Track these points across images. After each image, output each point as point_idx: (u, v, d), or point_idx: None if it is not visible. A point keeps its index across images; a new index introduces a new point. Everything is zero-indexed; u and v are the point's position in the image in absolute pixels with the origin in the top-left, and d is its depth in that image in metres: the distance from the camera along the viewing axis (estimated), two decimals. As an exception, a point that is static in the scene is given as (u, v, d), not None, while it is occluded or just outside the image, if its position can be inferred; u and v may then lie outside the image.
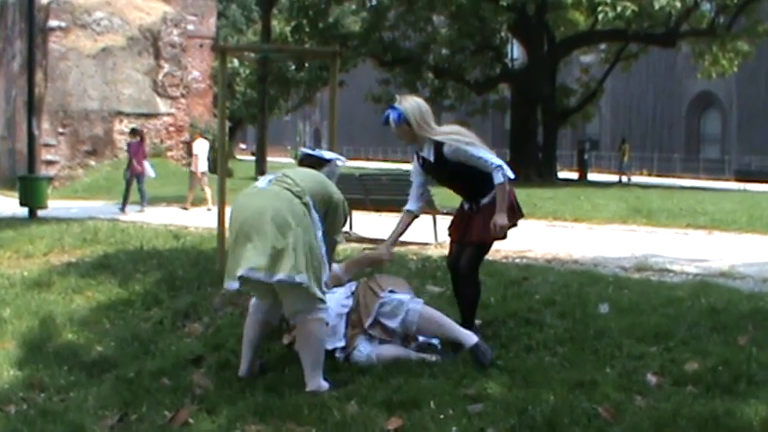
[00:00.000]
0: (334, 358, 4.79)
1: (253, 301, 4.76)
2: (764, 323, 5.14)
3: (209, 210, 17.07)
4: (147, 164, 18.12)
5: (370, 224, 12.59)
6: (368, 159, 54.50)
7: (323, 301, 4.48)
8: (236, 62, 37.61)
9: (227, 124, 11.71)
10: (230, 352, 5.15)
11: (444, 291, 6.18)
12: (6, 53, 32.84)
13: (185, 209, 17.92)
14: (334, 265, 5.26)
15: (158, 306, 6.72)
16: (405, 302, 4.89)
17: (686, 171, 42.92)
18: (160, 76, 29.23)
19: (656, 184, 30.89)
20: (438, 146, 4.99)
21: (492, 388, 4.22)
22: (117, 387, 4.70)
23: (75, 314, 6.71)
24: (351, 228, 11.93)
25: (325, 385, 4.40)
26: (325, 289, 4.54)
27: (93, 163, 28.14)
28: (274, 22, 31.31)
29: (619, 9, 23.83)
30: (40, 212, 15.97)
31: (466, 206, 5.18)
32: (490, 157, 4.93)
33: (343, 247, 9.05)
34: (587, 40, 31.93)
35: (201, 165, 18.44)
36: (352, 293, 5.07)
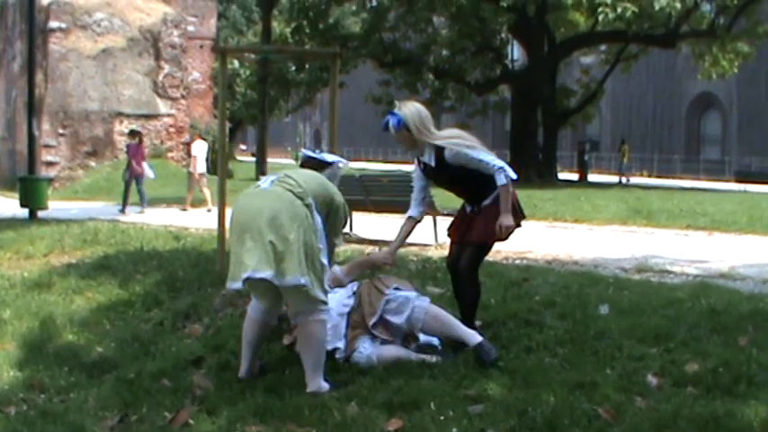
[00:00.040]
0: (334, 359, 4.79)
1: (251, 302, 4.76)
2: (764, 324, 5.14)
3: (208, 211, 17.08)
4: (146, 165, 18.12)
5: (371, 225, 12.59)
6: (368, 160, 54.52)
7: (325, 303, 4.48)
8: (236, 63, 37.62)
9: (228, 125, 11.71)
10: (230, 353, 5.15)
11: (445, 292, 6.18)
12: (7, 54, 32.85)
13: (184, 210, 17.93)
14: (336, 267, 5.26)
15: (158, 307, 6.72)
16: (411, 299, 4.91)
17: (686, 172, 42.91)
18: (160, 77, 29.24)
19: (657, 185, 30.89)
20: (439, 150, 4.99)
21: (492, 389, 4.22)
22: (117, 388, 4.70)
23: (76, 315, 6.71)
24: (351, 229, 11.93)
25: (325, 386, 4.40)
26: (327, 289, 4.55)
27: (93, 164, 28.15)
28: (274, 23, 31.35)
29: (619, 10, 23.83)
30: (41, 213, 15.97)
31: (468, 209, 5.18)
32: (491, 159, 4.93)
33: (344, 249, 9.05)
34: (587, 41, 31.94)
35: (200, 166, 18.42)
36: (354, 293, 5.07)
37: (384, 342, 4.87)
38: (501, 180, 4.89)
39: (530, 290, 6.41)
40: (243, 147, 68.39)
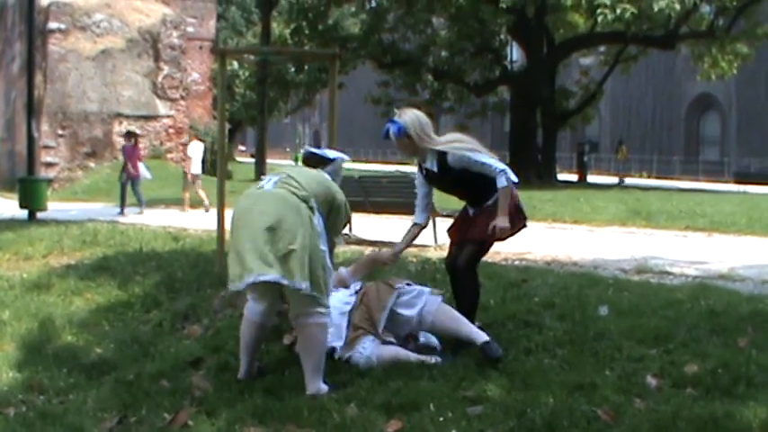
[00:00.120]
0: (333, 360, 4.79)
1: (248, 303, 4.73)
2: (764, 325, 5.14)
3: (206, 212, 17.08)
4: (142, 165, 18.08)
5: (370, 226, 12.59)
6: (367, 161, 54.49)
7: (326, 306, 4.47)
8: (235, 64, 37.64)
9: (227, 126, 11.72)
10: (229, 354, 5.15)
11: (443, 293, 6.17)
12: (6, 55, 32.85)
13: (184, 211, 17.93)
14: (342, 269, 5.29)
15: (158, 308, 6.72)
16: (425, 292, 4.95)
17: (685, 173, 42.92)
18: (160, 78, 29.25)
19: (656, 186, 30.89)
20: (441, 156, 5.02)
21: (491, 390, 4.22)
22: (116, 389, 4.69)
23: (75, 316, 6.71)
24: (350, 230, 11.94)
25: (324, 388, 4.40)
26: (329, 292, 4.54)
27: (92, 165, 28.16)
28: (274, 25, 31.34)
29: (618, 11, 23.83)
30: (40, 214, 15.97)
31: (470, 211, 5.20)
32: (493, 162, 4.95)
33: (343, 250, 9.06)
34: (587, 42, 31.94)
35: (194, 167, 18.41)
36: (356, 293, 5.07)
37: (386, 343, 4.87)
38: (501, 182, 4.91)
39: (529, 291, 6.41)
40: (242, 148, 68.43)
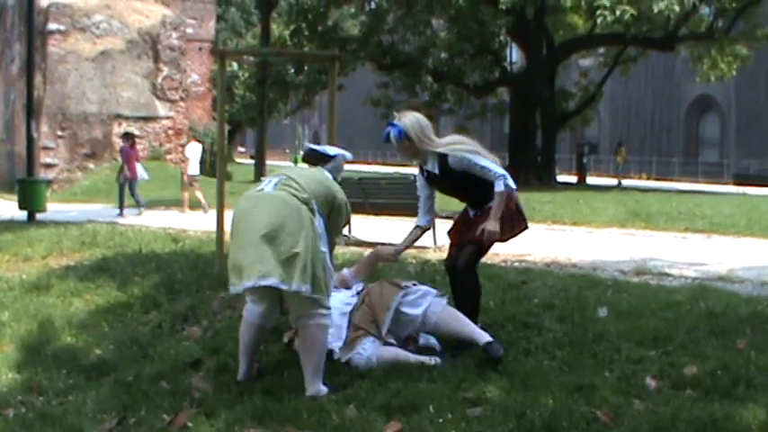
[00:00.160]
0: (332, 361, 4.78)
1: (247, 305, 4.71)
2: (763, 327, 5.14)
3: (205, 213, 17.09)
4: (139, 166, 18.09)
5: (370, 228, 12.59)
6: (367, 163, 54.46)
7: (327, 308, 4.47)
8: (235, 65, 37.63)
9: (226, 127, 11.72)
10: (229, 355, 5.15)
11: (443, 294, 6.17)
12: (5, 56, 32.86)
13: (183, 212, 17.95)
14: (345, 270, 5.29)
15: (157, 309, 6.71)
16: (431, 293, 4.96)
17: (685, 175, 42.92)
18: (159, 80, 29.25)
19: (655, 187, 30.90)
20: (442, 158, 5.03)
21: (491, 392, 4.22)
22: (116, 390, 4.69)
23: (74, 317, 6.70)
24: (350, 231, 11.93)
25: (324, 390, 4.39)
26: (330, 293, 4.53)
27: (91, 166, 28.16)
28: (273, 26, 31.35)
29: (617, 13, 23.85)
30: (39, 215, 15.98)
31: (471, 212, 5.21)
32: (494, 166, 4.96)
33: (342, 251, 9.06)
34: (586, 43, 31.96)
35: (191, 168, 18.43)
36: (358, 293, 5.08)
37: (387, 345, 4.87)
38: (499, 187, 4.92)
39: (528, 292, 6.41)
40: (241, 149, 68.40)
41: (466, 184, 5.05)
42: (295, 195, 4.40)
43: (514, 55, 36.79)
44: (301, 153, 5.10)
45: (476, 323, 5.04)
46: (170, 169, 27.15)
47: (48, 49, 27.59)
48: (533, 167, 29.39)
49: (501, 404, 4.03)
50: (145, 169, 18.46)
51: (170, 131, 29.54)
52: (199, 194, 18.03)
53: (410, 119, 5.08)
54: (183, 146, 26.30)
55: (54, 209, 17.33)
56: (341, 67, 22.75)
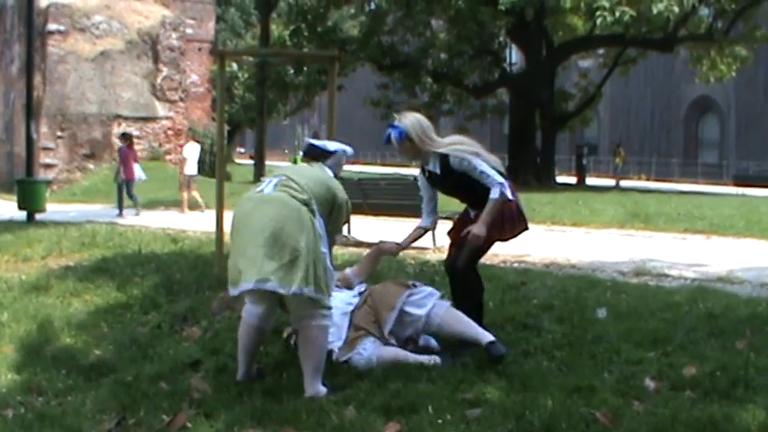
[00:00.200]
0: (332, 362, 4.78)
1: (246, 306, 4.70)
2: (762, 328, 5.15)
3: (202, 212, 17.18)
4: (137, 166, 18.11)
5: (369, 228, 12.59)
6: (366, 164, 54.48)
7: (328, 308, 4.46)
8: (234, 66, 37.63)
9: (226, 128, 11.75)
10: (228, 356, 5.15)
11: (442, 295, 6.17)
12: (5, 56, 32.86)
13: (182, 213, 17.97)
14: (347, 269, 5.29)
15: (156, 310, 6.71)
16: (435, 294, 4.97)
17: (684, 176, 42.94)
18: (159, 80, 29.25)
19: (654, 188, 30.91)
20: (444, 158, 5.03)
21: (490, 393, 4.22)
22: (115, 391, 4.69)
23: (73, 318, 6.70)
24: (349, 232, 11.94)
25: (323, 390, 4.39)
26: (331, 293, 4.52)
27: (91, 166, 28.16)
28: (273, 26, 31.33)
29: (617, 14, 23.87)
30: (39, 216, 15.98)
31: (472, 213, 5.22)
32: (492, 173, 4.97)
33: (342, 252, 9.06)
34: (586, 44, 31.97)
35: (188, 168, 18.49)
36: (360, 293, 5.08)
37: (387, 345, 4.87)
38: (495, 194, 4.95)
39: (527, 293, 6.41)
40: (241, 150, 68.36)
41: (467, 184, 5.06)
42: (295, 197, 4.38)
43: (514, 56, 36.81)
44: (301, 153, 5.06)
45: (481, 321, 5.06)
46: (169, 170, 27.16)
47: (47, 50, 27.59)
48: (533, 168, 29.40)
49: (500, 405, 4.03)
50: (141, 169, 18.49)
51: (169, 132, 29.54)
52: (196, 194, 18.11)
53: (411, 120, 5.09)
54: (182, 146, 26.35)
55: (53, 209, 17.33)
56: (340, 68, 22.77)
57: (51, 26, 27.81)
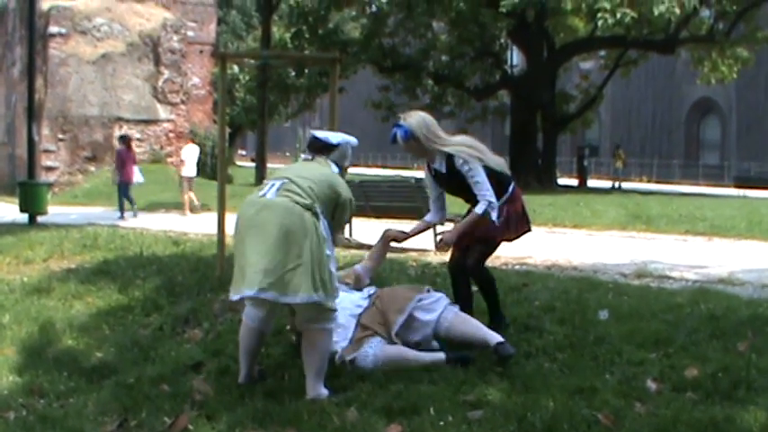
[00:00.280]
0: (334, 364, 4.77)
1: (246, 309, 4.68)
2: (764, 329, 5.15)
3: (199, 210, 17.39)
4: (136, 169, 18.14)
5: (371, 230, 12.58)
6: (367, 166, 54.50)
7: (333, 309, 4.45)
8: (235, 68, 37.61)
9: (227, 130, 11.77)
10: (230, 358, 5.15)
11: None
12: (6, 59, 32.89)
13: (184, 215, 17.99)
14: (357, 266, 5.30)
15: (158, 312, 6.71)
16: (445, 299, 4.99)
17: (685, 177, 42.93)
18: (160, 83, 29.27)
19: (656, 190, 30.90)
20: (449, 158, 5.06)
21: (491, 394, 4.22)
22: (116, 393, 4.69)
23: (75, 320, 6.70)
24: (351, 234, 11.94)
25: (325, 392, 4.38)
26: (336, 295, 4.50)
27: (92, 169, 28.18)
28: (274, 29, 31.32)
29: (618, 16, 23.85)
30: (40, 218, 15.98)
31: None
32: (485, 188, 5.02)
33: (343, 253, 9.06)
34: (587, 46, 31.96)
35: (186, 170, 18.56)
36: (369, 296, 5.08)
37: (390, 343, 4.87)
38: (479, 208, 5.03)
39: (529, 295, 6.42)
40: (242, 152, 68.36)
41: (469, 186, 5.08)
42: (298, 202, 4.33)
43: (515, 58, 36.81)
44: (310, 132, 5.00)
45: (499, 308, 5.23)
46: (171, 172, 27.16)
47: (49, 52, 27.62)
48: (534, 170, 29.39)
49: (502, 407, 4.03)
50: (140, 171, 18.52)
51: (171, 134, 29.55)
52: (192, 195, 18.24)
53: (416, 118, 5.12)
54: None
55: (55, 212, 17.34)
56: (342, 70, 22.76)
57: (53, 29, 27.83)
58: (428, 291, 5.06)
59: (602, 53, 34.11)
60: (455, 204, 5.58)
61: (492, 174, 5.10)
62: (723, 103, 45.52)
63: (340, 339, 4.82)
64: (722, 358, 4.58)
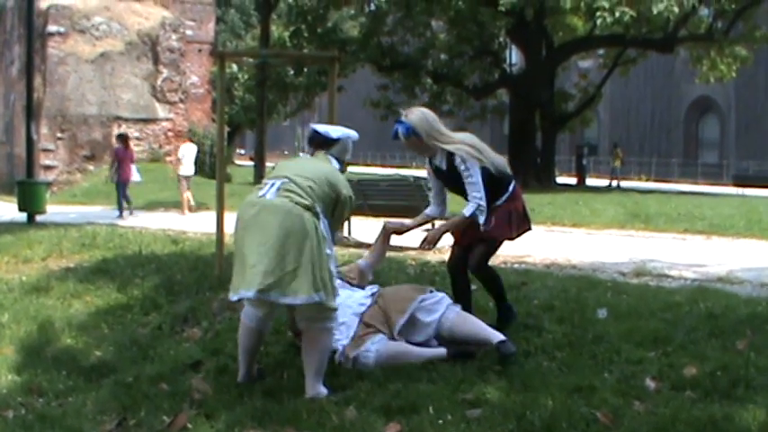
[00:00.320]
0: (333, 363, 4.77)
1: (245, 309, 4.67)
2: (762, 328, 5.15)
3: (190, 211, 17.45)
4: (134, 168, 18.15)
5: (369, 229, 12.58)
6: (366, 165, 54.51)
7: (333, 308, 4.44)
8: (234, 67, 37.61)
9: (226, 129, 11.75)
10: (229, 357, 5.15)
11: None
12: (5, 58, 32.88)
13: (183, 214, 18.00)
14: (360, 261, 5.29)
15: (157, 311, 6.71)
16: (447, 300, 4.99)
17: (684, 176, 42.96)
18: (159, 82, 29.26)
19: (654, 188, 30.91)
20: (450, 156, 5.06)
21: (490, 393, 4.22)
22: (115, 392, 4.69)
23: (74, 319, 6.70)
24: (350, 233, 11.94)
25: (324, 392, 4.38)
26: (337, 294, 4.49)
27: (91, 168, 28.17)
28: (273, 27, 31.31)
29: (617, 14, 23.86)
30: (39, 217, 15.98)
31: None
32: (477, 190, 5.01)
33: (342, 253, 9.06)
34: (586, 45, 31.96)
35: (183, 169, 18.59)
36: (372, 294, 5.08)
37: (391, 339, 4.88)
38: (467, 210, 5.03)
39: (528, 294, 6.42)
40: (241, 151, 68.35)
41: (465, 184, 5.08)
42: (298, 202, 4.31)
43: (514, 56, 36.80)
44: (311, 126, 4.97)
45: (506, 299, 5.27)
46: (169, 171, 27.16)
47: (47, 51, 27.60)
48: (533, 169, 29.39)
49: (500, 405, 4.03)
50: (138, 170, 18.53)
51: (169, 133, 29.54)
52: (189, 194, 18.28)
53: (417, 115, 5.11)
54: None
55: (54, 210, 17.33)
56: (340, 69, 22.76)
57: (51, 27, 27.82)
58: (430, 291, 5.05)
59: (601, 52, 34.12)
60: (455, 204, 5.58)
61: (490, 176, 5.09)
62: (722, 102, 45.56)
63: (342, 337, 4.82)
64: (721, 357, 4.58)
